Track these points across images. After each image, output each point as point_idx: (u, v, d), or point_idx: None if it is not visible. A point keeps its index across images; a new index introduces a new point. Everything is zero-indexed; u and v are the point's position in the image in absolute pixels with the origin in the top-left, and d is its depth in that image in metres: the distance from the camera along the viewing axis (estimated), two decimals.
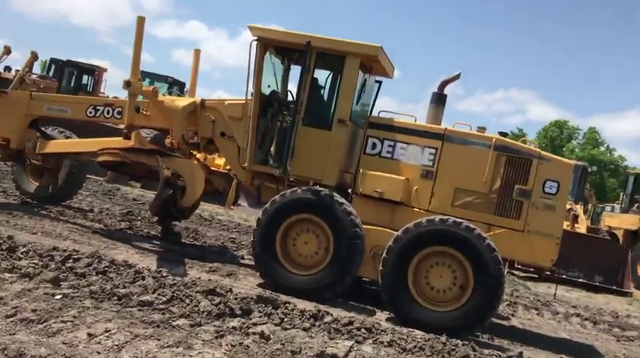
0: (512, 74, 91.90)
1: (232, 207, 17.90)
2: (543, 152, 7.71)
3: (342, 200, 7.62)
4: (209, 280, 6.92)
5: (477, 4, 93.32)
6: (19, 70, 19.35)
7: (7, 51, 18.01)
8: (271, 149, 9.01)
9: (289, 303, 6.30)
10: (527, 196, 7.58)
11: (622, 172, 43.97)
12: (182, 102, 9.02)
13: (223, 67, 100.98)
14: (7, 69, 22.43)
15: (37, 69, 23.77)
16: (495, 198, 7.68)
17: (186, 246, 9.79)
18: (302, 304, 6.55)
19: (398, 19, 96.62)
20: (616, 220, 19.75)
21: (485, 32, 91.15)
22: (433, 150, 7.91)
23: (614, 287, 14.75)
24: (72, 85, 24.35)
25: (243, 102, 8.71)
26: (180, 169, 8.83)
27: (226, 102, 8.97)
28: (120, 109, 9.43)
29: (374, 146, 8.16)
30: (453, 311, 7.12)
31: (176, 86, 23.62)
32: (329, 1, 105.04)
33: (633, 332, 9.99)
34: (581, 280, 14.82)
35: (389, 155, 8.10)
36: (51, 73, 24.65)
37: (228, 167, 17.96)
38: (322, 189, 7.76)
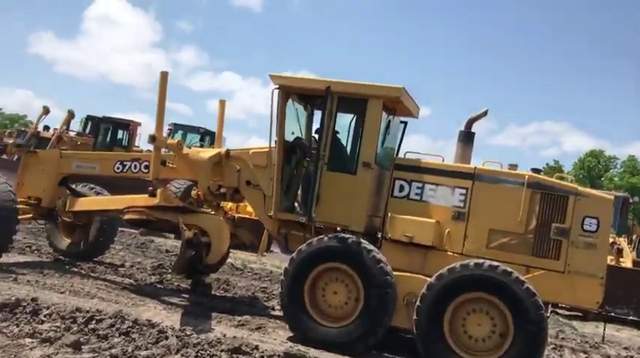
0: (545, 106, 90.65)
1: (265, 253, 17.88)
2: (580, 187, 7.35)
3: (371, 247, 7.36)
4: (234, 337, 6.69)
5: (501, 38, 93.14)
6: (57, 129, 20.10)
7: (46, 111, 18.65)
8: (297, 196, 8.87)
9: None
10: (565, 235, 7.19)
11: None
12: (207, 153, 8.99)
13: (257, 115, 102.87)
14: (46, 128, 23.13)
15: (76, 126, 24.42)
16: (532, 238, 7.31)
17: (216, 298, 9.61)
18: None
19: (424, 55, 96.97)
20: None
21: (515, 63, 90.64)
22: (464, 191, 7.62)
23: None
24: (107, 140, 24.90)
25: (268, 150, 8.62)
26: (205, 225, 8.73)
27: (251, 151, 8.89)
28: (147, 163, 9.44)
29: (401, 188, 7.92)
30: None
31: (208, 136, 23.93)
32: (358, 46, 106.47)
33: None
34: (631, 317, 14.01)
35: (417, 197, 7.84)
36: (87, 130, 25.30)
37: None
38: (350, 235, 7.52)
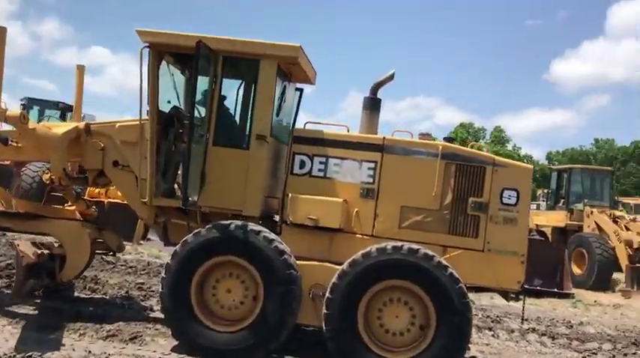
0: (418, 82, 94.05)
1: (141, 242, 16.14)
2: (497, 157, 6.66)
3: (272, 235, 6.23)
4: (103, 355, 5.32)
5: (373, 16, 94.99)
6: None
7: None
8: (177, 177, 7.50)
9: None
10: (483, 210, 6.49)
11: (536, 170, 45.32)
12: (61, 128, 7.30)
13: (131, 91, 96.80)
14: None
15: None
16: (448, 215, 6.54)
17: (80, 301, 8.01)
18: None
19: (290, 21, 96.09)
20: (543, 218, 19.46)
21: (387, 41, 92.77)
22: (372, 164, 6.68)
23: (555, 290, 14.16)
24: None
25: (139, 123, 7.14)
26: (58, 234, 7.17)
27: (117, 125, 7.34)
28: None
29: (302, 164, 6.83)
30: None
31: (71, 112, 21.29)
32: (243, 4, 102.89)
33: (593, 344, 9.19)
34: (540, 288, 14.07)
35: (321, 174, 6.79)
36: None
37: None
38: (245, 223, 6.33)
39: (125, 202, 14.27)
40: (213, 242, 6.15)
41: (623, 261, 15.65)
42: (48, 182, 7.38)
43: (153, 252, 14.04)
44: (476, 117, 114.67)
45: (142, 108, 6.95)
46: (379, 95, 7.28)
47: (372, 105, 7.20)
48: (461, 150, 6.66)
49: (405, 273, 5.92)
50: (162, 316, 7.52)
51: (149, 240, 15.83)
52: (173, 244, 7.14)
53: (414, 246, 5.99)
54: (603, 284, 15.78)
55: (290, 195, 6.64)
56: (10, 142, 7.29)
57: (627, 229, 16.42)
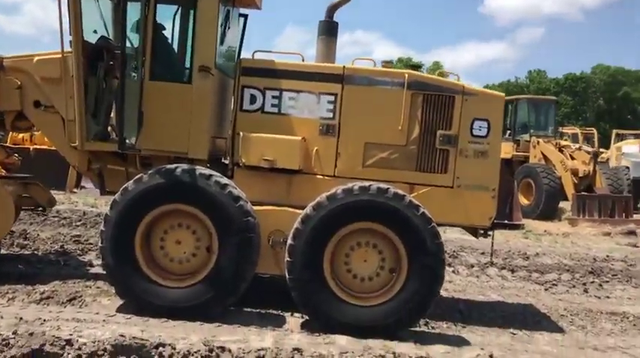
0: (356, 15, 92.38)
1: (75, 190, 15.08)
2: (467, 85, 6.13)
3: (225, 180, 5.56)
4: (37, 321, 4.63)
5: None
6: None
7: None
8: (110, 118, 6.65)
9: (164, 346, 4.24)
10: (453, 143, 6.00)
11: None
12: None
13: (52, 29, 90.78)
14: None
15: None
16: (415, 150, 6.02)
17: (7, 260, 7.18)
18: (185, 340, 4.52)
19: None
20: None
21: None
22: (332, 97, 6.03)
23: (505, 221, 14.17)
24: None
25: (61, 56, 6.19)
26: None
27: (36, 59, 6.35)
28: None
29: (253, 99, 6.11)
30: (385, 304, 5.46)
31: None
32: None
33: (552, 275, 9.14)
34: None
35: (275, 109, 6.11)
36: None
37: None
38: (193, 166, 5.62)
39: (53, 148, 13.13)
40: (158, 189, 5.43)
41: (569, 190, 15.84)
42: None
43: (88, 201, 13.11)
44: (413, 52, 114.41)
45: (64, 39, 6.00)
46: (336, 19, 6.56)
47: (329, 29, 6.48)
48: (428, 79, 6.08)
49: (373, 215, 5.40)
50: (103, 272, 6.88)
51: (83, 187, 14.87)
52: (111, 193, 6.39)
53: (383, 186, 5.47)
54: (550, 213, 16.00)
55: (241, 134, 5.94)
56: None
57: (572, 158, 16.58)
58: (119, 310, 5.53)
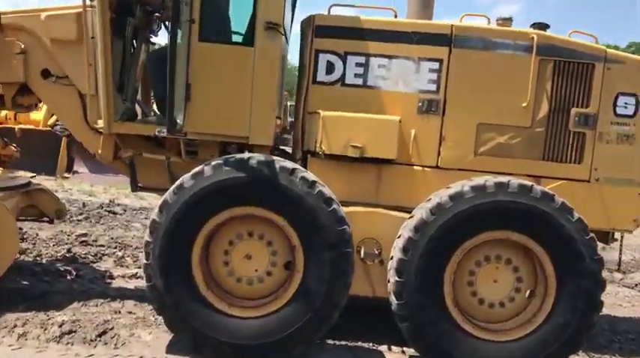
0: None
1: (67, 175, 13.44)
2: (610, 50, 4.78)
3: (312, 176, 4.15)
4: None
5: None
6: None
7: None
8: (136, 93, 5.24)
9: None
10: (590, 124, 4.69)
11: None
12: None
13: None
14: None
15: None
16: (543, 134, 4.69)
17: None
18: None
19: None
20: None
21: None
22: (435, 65, 4.66)
23: None
24: None
25: (78, 11, 4.72)
26: None
27: (44, 15, 4.85)
28: None
29: (330, 67, 4.72)
30: (524, 340, 4.17)
31: None
32: None
33: None
34: None
35: (359, 81, 4.72)
36: None
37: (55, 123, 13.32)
38: (271, 157, 4.21)
39: (42, 128, 11.33)
40: (225, 186, 4.00)
41: None
42: None
43: (84, 188, 11.59)
44: None
45: None
46: None
47: None
48: (562, 41, 4.69)
49: (513, 221, 4.07)
50: (129, 288, 5.49)
51: (76, 172, 13.27)
52: (145, 189, 4.99)
53: (526, 182, 4.13)
54: None
55: (321, 113, 4.53)
56: None
57: None
58: (171, 350, 4.15)
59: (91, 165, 13.29)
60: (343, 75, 4.72)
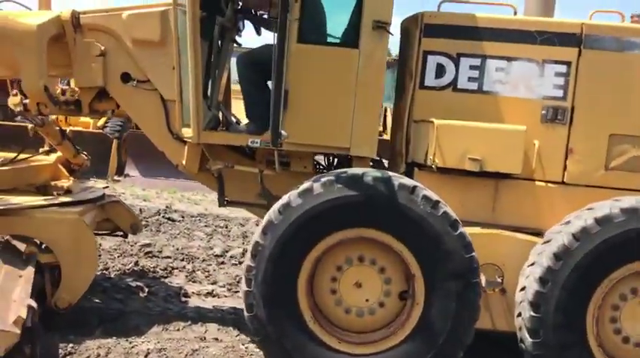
0: None
1: (118, 178, 13.17)
2: None
3: (434, 195, 3.67)
4: None
5: None
6: None
7: None
8: (219, 99, 4.83)
9: None
10: None
11: None
12: (34, 17, 4.32)
13: None
14: None
15: None
16: None
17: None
18: None
19: None
20: None
21: None
22: (563, 68, 4.13)
23: None
24: None
25: (162, 9, 4.33)
26: (46, 237, 4.24)
27: (126, 14, 4.45)
28: None
29: (441, 71, 4.23)
30: None
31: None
32: None
33: None
34: None
35: (473, 85, 4.22)
36: None
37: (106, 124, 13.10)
38: (387, 172, 3.74)
39: (92, 130, 11.01)
40: (339, 205, 3.53)
41: None
42: (17, 111, 4.47)
43: (136, 192, 11.26)
44: None
45: None
46: None
47: None
48: None
49: None
50: (207, 307, 5.10)
51: (127, 175, 13.02)
52: (233, 203, 4.57)
53: None
54: None
55: (435, 122, 4.04)
56: None
57: None
58: None
59: (142, 168, 13.04)
60: (455, 79, 4.23)
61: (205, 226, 8.68)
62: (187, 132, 4.21)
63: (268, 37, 5.02)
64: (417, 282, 3.61)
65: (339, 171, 3.71)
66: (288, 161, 4.41)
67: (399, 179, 3.61)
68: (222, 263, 6.76)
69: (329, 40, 4.26)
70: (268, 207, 4.24)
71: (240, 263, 6.79)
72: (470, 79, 4.22)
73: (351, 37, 4.12)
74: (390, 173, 3.69)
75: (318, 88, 4.07)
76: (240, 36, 4.97)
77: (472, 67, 4.21)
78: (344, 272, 3.74)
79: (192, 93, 4.09)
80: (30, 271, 3.92)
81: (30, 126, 4.81)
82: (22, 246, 4.29)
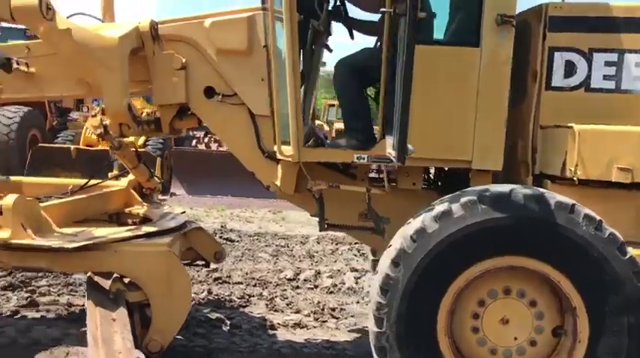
0: None
1: (163, 197, 12.80)
2: None
3: (597, 215, 3.13)
4: None
5: None
6: None
7: None
8: (312, 112, 4.37)
9: None
10: None
11: None
12: (114, 29, 3.91)
13: None
14: None
15: None
16: None
17: None
18: None
19: None
20: None
21: None
22: None
23: None
24: None
25: (249, 14, 3.89)
26: (134, 273, 3.78)
27: (209, 22, 4.01)
28: None
29: (571, 69, 3.72)
30: None
31: None
32: None
33: None
34: None
35: (610, 84, 3.70)
36: None
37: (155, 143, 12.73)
38: (536, 189, 3.23)
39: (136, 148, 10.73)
40: (485, 230, 3.03)
41: None
42: (98, 133, 4.04)
43: (190, 210, 10.86)
44: None
45: None
46: None
47: None
48: None
49: None
50: (299, 340, 4.65)
51: (173, 194, 12.67)
52: (334, 227, 4.08)
53: None
54: None
55: (576, 128, 3.51)
56: (15, 66, 3.87)
57: None
58: None
59: (188, 185, 12.70)
60: (588, 77, 3.71)
61: (266, 246, 8.25)
62: (287, 151, 3.73)
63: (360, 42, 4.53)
64: (580, 317, 3.07)
65: (479, 188, 3.20)
66: (394, 178, 3.93)
67: (554, 196, 3.08)
68: (297, 287, 6.29)
69: (446, 37, 3.77)
70: (376, 230, 3.79)
71: (316, 286, 6.33)
72: (605, 77, 3.71)
73: (470, 34, 3.63)
74: (542, 189, 3.17)
75: (434, 93, 3.60)
76: (326, 40, 4.52)
77: (608, 64, 3.70)
78: (487, 307, 3.22)
79: (291, 106, 3.63)
80: (123, 313, 3.49)
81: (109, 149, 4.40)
82: (105, 283, 3.89)
